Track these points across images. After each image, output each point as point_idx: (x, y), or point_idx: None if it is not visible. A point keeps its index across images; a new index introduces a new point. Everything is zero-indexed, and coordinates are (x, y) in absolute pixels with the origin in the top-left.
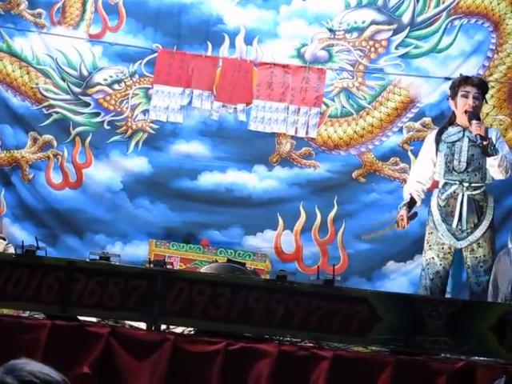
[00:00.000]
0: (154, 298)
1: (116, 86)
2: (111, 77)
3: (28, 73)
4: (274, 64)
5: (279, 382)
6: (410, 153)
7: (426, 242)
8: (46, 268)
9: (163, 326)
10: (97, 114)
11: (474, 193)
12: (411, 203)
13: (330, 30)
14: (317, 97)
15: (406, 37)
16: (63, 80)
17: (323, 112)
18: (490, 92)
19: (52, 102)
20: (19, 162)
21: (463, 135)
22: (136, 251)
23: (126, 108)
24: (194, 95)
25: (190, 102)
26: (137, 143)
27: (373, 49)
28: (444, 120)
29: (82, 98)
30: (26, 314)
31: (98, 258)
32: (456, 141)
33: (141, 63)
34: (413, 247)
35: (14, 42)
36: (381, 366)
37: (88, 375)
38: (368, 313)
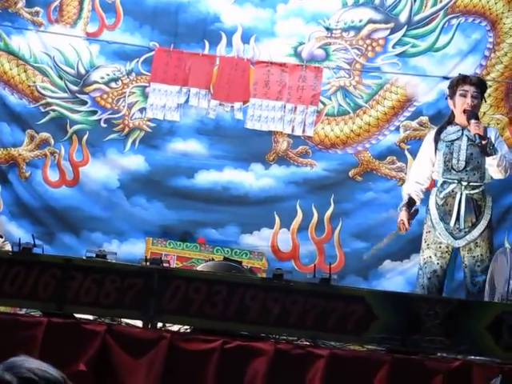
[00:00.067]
0: (151, 296)
1: (113, 85)
2: (108, 75)
3: (25, 71)
4: (271, 62)
5: (275, 380)
6: (406, 152)
7: (423, 241)
8: (43, 265)
9: (159, 324)
10: (94, 112)
11: (472, 192)
12: (410, 203)
13: (327, 29)
14: (314, 95)
15: (403, 36)
16: (60, 78)
17: (320, 110)
18: (488, 91)
19: (49, 100)
20: (16, 159)
21: (462, 134)
22: (132, 249)
23: (123, 106)
24: (191, 93)
25: (186, 101)
26: (134, 141)
27: (370, 47)
28: (441, 119)
29: (79, 96)
30: (23, 311)
31: (94, 255)
32: (455, 140)
33: (138, 61)
34: (409, 246)
35: (11, 40)
36: (377, 364)
37: (84, 373)
38: (364, 312)
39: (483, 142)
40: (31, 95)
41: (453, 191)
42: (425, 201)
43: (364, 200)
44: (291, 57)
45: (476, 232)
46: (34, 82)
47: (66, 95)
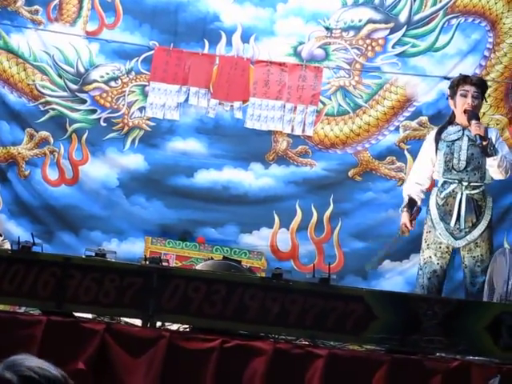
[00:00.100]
0: (150, 295)
1: (112, 83)
2: (108, 74)
3: (25, 69)
4: (271, 62)
5: (274, 379)
6: (406, 152)
7: (423, 241)
8: (42, 264)
9: (158, 323)
10: (93, 111)
11: (472, 192)
12: (411, 204)
13: (327, 29)
14: (313, 95)
15: (403, 35)
16: (60, 77)
17: (320, 110)
18: (487, 91)
19: (48, 98)
20: (15, 158)
21: (463, 134)
22: (132, 248)
23: (123, 105)
24: (191, 93)
25: (186, 100)
26: (133, 140)
27: (370, 47)
28: (441, 119)
29: (78, 94)
30: (22, 309)
31: (93, 254)
32: (456, 140)
33: (137, 60)
34: (409, 246)
35: (10, 38)
36: (376, 364)
37: (83, 371)
38: (363, 311)
39: (484, 143)
40: (31, 94)
41: (453, 191)
42: (425, 201)
43: (363, 200)
44: (291, 56)
45: (476, 232)
46: (34, 81)
47: (65, 94)
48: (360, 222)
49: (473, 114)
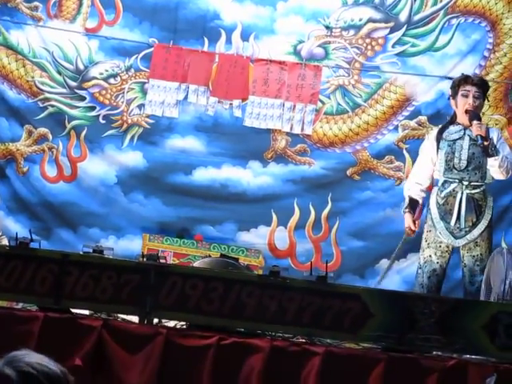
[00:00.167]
0: (147, 291)
1: (112, 80)
2: (107, 71)
3: (24, 66)
4: (271, 60)
5: (271, 377)
6: (405, 151)
7: (424, 240)
8: (40, 260)
9: (155, 320)
10: (92, 108)
11: (473, 191)
12: (413, 204)
13: (327, 28)
14: (312, 94)
15: (403, 35)
16: (59, 73)
17: (319, 109)
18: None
19: (48, 95)
20: (14, 154)
21: (464, 134)
22: (129, 245)
23: (122, 102)
24: (190, 90)
25: (185, 97)
26: (132, 138)
27: (369, 46)
28: (440, 119)
29: (77, 91)
30: (19, 305)
31: (91, 251)
32: (457, 139)
33: (137, 57)
34: (406, 245)
35: (10, 34)
36: (372, 362)
37: (80, 367)
38: (360, 309)
39: (485, 143)
40: (30, 90)
41: (454, 190)
42: (425, 200)
43: (361, 199)
44: (290, 55)
45: (476, 231)
46: (33, 77)
47: (64, 91)
48: (358, 220)
49: (474, 114)
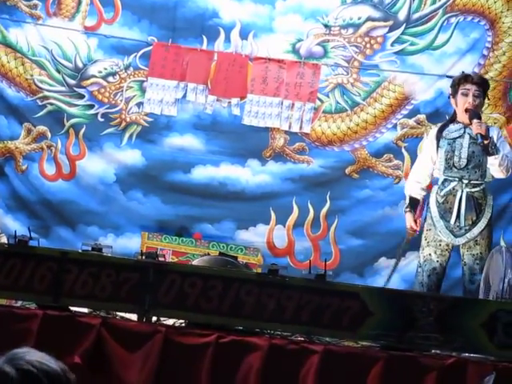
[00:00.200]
0: (146, 289)
1: (110, 79)
2: (106, 69)
3: (23, 64)
4: (269, 59)
5: (269, 375)
6: (403, 150)
7: (423, 239)
8: (39, 258)
9: (154, 318)
10: (91, 106)
11: (473, 190)
12: (413, 203)
13: (326, 26)
14: (311, 92)
15: (402, 34)
16: (58, 72)
17: (317, 107)
18: None
19: (46, 93)
20: (13, 152)
21: (464, 132)
22: (128, 244)
23: (121, 100)
24: (189, 89)
25: (184, 96)
26: (130, 136)
27: (368, 45)
28: (438, 117)
29: (76, 89)
30: (18, 303)
31: (90, 249)
32: (457, 137)
33: (136, 56)
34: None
35: (9, 32)
36: (371, 361)
37: (79, 365)
38: (359, 308)
39: (485, 142)
40: (29, 88)
41: (453, 189)
42: (425, 199)
43: (360, 197)
44: (289, 53)
45: (476, 230)
46: (32, 75)
47: (63, 89)
48: (356, 219)
49: (474, 113)
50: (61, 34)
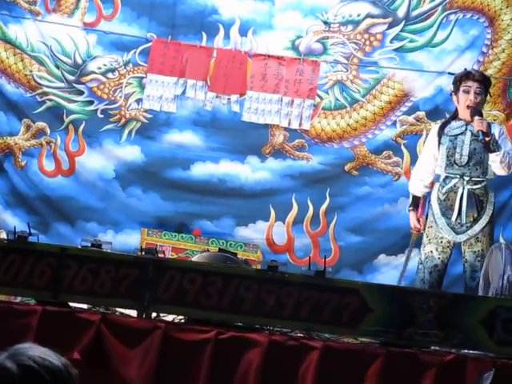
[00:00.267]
0: (145, 286)
1: (110, 75)
2: (105, 65)
3: (22, 60)
4: (269, 55)
5: (269, 371)
6: (403, 146)
7: (425, 236)
8: (38, 254)
9: (154, 314)
10: (90, 103)
11: (474, 187)
12: (416, 202)
13: (325, 23)
14: (311, 89)
15: (401, 31)
16: (57, 68)
17: (317, 104)
18: None
19: (46, 89)
20: (12, 148)
21: (466, 129)
22: (128, 240)
23: (120, 97)
24: (188, 85)
25: (183, 92)
26: (130, 132)
27: (367, 42)
28: (438, 114)
29: (75, 86)
30: (18, 299)
31: (89, 245)
32: (458, 134)
33: (135, 52)
34: (404, 241)
35: (8, 28)
36: (371, 357)
37: (78, 361)
38: (359, 304)
39: (487, 139)
40: (28, 84)
41: (455, 186)
42: (427, 196)
43: (359, 194)
44: (289, 50)
45: (477, 227)
46: (31, 71)
47: (62, 85)
48: (356, 216)
49: (475, 110)
50: (60, 30)
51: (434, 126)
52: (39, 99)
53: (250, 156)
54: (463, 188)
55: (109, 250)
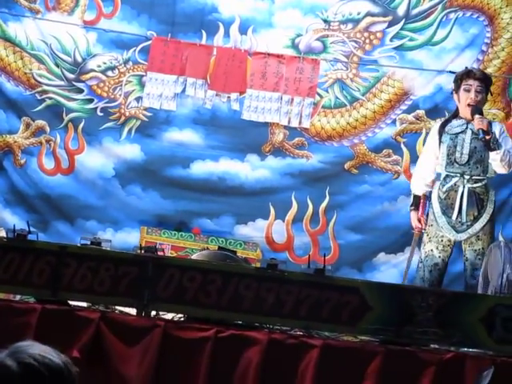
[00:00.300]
0: (145, 284)
1: (110, 73)
2: (105, 63)
3: (22, 58)
4: (269, 54)
5: (268, 369)
6: (402, 145)
7: (425, 234)
8: (38, 252)
9: (153, 312)
10: (90, 101)
11: (474, 185)
12: (416, 201)
13: (325, 21)
14: (310, 87)
15: (401, 29)
16: (57, 66)
17: (317, 103)
18: None
19: (45, 87)
20: (11, 146)
21: (466, 127)
22: (127, 238)
23: (120, 95)
24: (188, 83)
25: (183, 90)
26: (130, 130)
27: (367, 40)
28: (437, 113)
29: (75, 84)
30: (17, 297)
31: (89, 243)
32: (459, 133)
33: (135, 50)
34: (403, 239)
35: (8, 27)
36: (370, 355)
37: (77, 359)
38: (358, 302)
39: (487, 137)
40: (27, 82)
41: (455, 185)
42: (428, 195)
43: (359, 193)
44: (288, 48)
45: (478, 225)
46: (31, 70)
47: (62, 83)
48: (355, 214)
49: (476, 108)
50: (60, 28)
51: (435, 125)
52: (39, 97)
53: (250, 154)
54: (464, 186)
55: (108, 248)
